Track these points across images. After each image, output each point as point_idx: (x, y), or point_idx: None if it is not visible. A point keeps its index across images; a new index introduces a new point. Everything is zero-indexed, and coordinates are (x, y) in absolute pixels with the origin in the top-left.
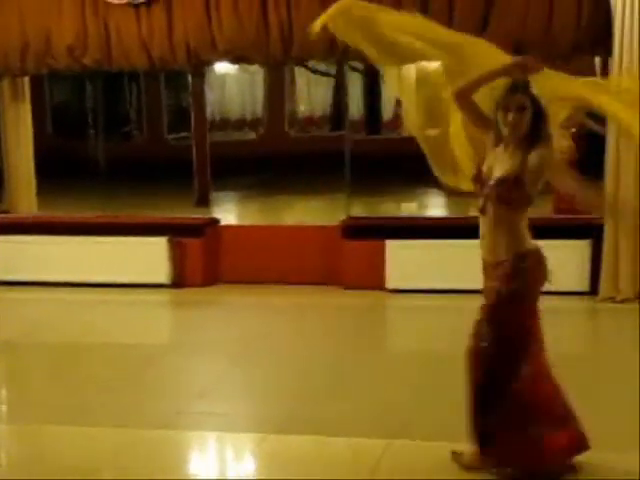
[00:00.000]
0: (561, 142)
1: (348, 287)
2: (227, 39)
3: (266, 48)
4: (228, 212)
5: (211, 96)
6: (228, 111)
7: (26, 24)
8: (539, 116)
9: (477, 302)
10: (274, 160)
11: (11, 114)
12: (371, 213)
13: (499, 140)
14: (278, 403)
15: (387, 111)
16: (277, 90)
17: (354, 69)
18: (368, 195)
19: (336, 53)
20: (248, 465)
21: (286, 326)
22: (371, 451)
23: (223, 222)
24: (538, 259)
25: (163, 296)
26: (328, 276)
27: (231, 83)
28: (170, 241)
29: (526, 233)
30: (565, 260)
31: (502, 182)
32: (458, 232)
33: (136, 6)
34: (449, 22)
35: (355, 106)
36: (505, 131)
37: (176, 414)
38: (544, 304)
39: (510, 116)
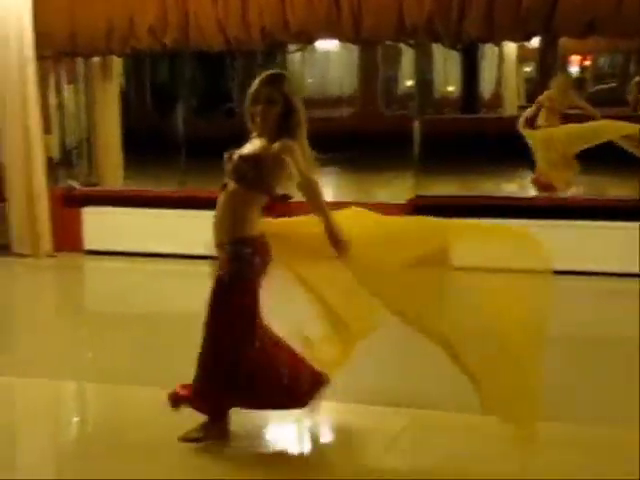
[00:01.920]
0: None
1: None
2: (299, 20)
3: (337, 28)
4: None
5: (312, 73)
6: (328, 88)
7: (111, 6)
8: (289, 111)
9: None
10: (367, 138)
11: (100, 92)
12: (458, 192)
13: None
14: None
15: (487, 90)
16: (371, 68)
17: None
18: (464, 173)
19: (406, 33)
20: (268, 429)
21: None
22: (395, 420)
23: (296, 199)
24: (261, 247)
25: None
26: None
27: (332, 60)
28: None
29: (255, 220)
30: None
31: (243, 159)
32: (526, 212)
33: None
34: (518, 6)
35: (453, 84)
36: (255, 123)
37: None
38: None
39: (259, 108)
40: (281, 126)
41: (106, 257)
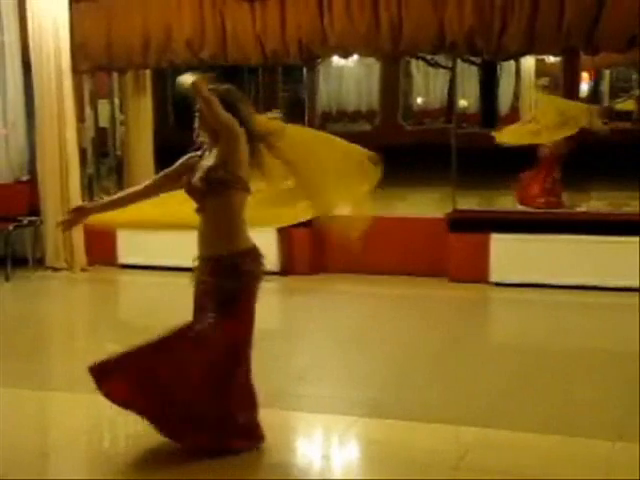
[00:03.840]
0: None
1: (452, 279)
2: (338, 34)
3: (376, 42)
4: None
5: (328, 88)
6: (344, 103)
7: (148, 20)
8: (228, 106)
9: (582, 298)
10: (388, 152)
11: (133, 106)
12: (485, 207)
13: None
14: (377, 389)
15: (504, 105)
16: (392, 82)
17: (471, 62)
18: (483, 188)
19: (445, 47)
20: (337, 446)
21: (389, 315)
22: (462, 438)
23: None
24: (253, 258)
25: (271, 283)
26: (433, 268)
27: (348, 75)
28: (279, 230)
29: (243, 230)
30: None
31: (211, 169)
32: (563, 227)
33: (251, 1)
34: (560, 20)
35: (472, 99)
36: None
37: (276, 395)
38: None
39: (196, 121)
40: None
41: (139, 271)
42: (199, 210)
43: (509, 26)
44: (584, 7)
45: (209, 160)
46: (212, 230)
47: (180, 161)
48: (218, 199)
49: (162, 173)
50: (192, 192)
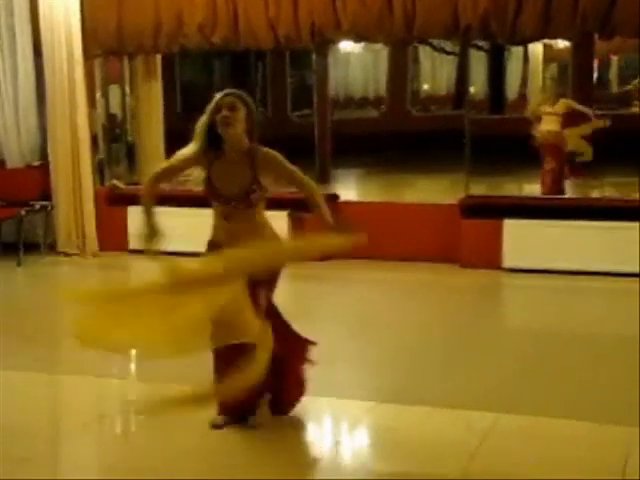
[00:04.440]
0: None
1: (465, 265)
2: (351, 18)
3: (389, 27)
4: (348, 189)
5: (335, 74)
6: (351, 89)
7: (160, 4)
8: (252, 118)
9: (596, 283)
10: (395, 138)
11: (143, 91)
12: (493, 193)
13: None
14: (390, 374)
15: (512, 90)
16: (400, 69)
17: (479, 48)
18: (491, 174)
19: (459, 32)
20: (355, 431)
21: (403, 301)
22: (480, 423)
23: (343, 198)
24: None
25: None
26: (445, 254)
27: (355, 61)
28: (291, 215)
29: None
30: None
31: (254, 188)
32: (575, 213)
33: None
34: (575, 4)
35: (480, 85)
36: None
37: None
38: None
39: (224, 112)
40: (250, 130)
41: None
42: (229, 216)
43: (524, 9)
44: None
45: (239, 172)
46: (250, 229)
47: (185, 154)
48: (251, 208)
49: (167, 165)
50: (226, 203)
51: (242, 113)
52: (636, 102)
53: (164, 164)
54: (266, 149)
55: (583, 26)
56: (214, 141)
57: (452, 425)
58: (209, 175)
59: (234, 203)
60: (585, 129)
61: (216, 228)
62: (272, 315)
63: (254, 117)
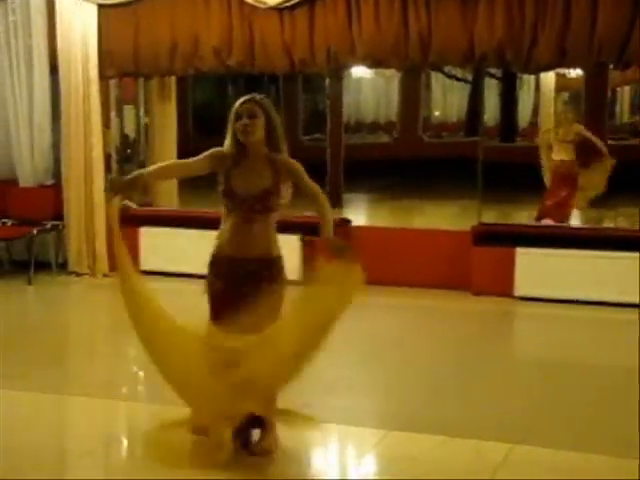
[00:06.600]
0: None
1: (476, 293)
2: (366, 44)
3: (405, 53)
4: (359, 213)
5: (347, 99)
6: (362, 114)
7: (176, 27)
8: (272, 124)
9: (608, 314)
10: (407, 164)
11: (158, 112)
12: (503, 221)
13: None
14: (402, 402)
15: (523, 119)
16: (412, 95)
17: (491, 75)
18: (501, 202)
19: (474, 59)
20: (367, 459)
21: (414, 328)
22: (493, 454)
23: (354, 223)
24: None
25: (294, 293)
26: (457, 281)
27: (367, 87)
28: (302, 239)
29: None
30: None
31: (268, 193)
32: (588, 242)
33: (280, 10)
34: (592, 35)
35: (491, 113)
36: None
37: (304, 406)
38: None
39: (244, 120)
40: (269, 138)
41: (162, 278)
42: (242, 220)
43: (540, 39)
44: (616, 22)
45: (257, 177)
46: (259, 237)
47: (207, 155)
48: (262, 216)
49: (186, 161)
50: (241, 204)
51: (261, 120)
52: None
53: (180, 160)
54: (287, 157)
55: (599, 57)
56: (236, 147)
57: (465, 455)
58: (227, 175)
59: (249, 204)
60: (603, 175)
61: (222, 236)
62: None
63: (274, 123)
